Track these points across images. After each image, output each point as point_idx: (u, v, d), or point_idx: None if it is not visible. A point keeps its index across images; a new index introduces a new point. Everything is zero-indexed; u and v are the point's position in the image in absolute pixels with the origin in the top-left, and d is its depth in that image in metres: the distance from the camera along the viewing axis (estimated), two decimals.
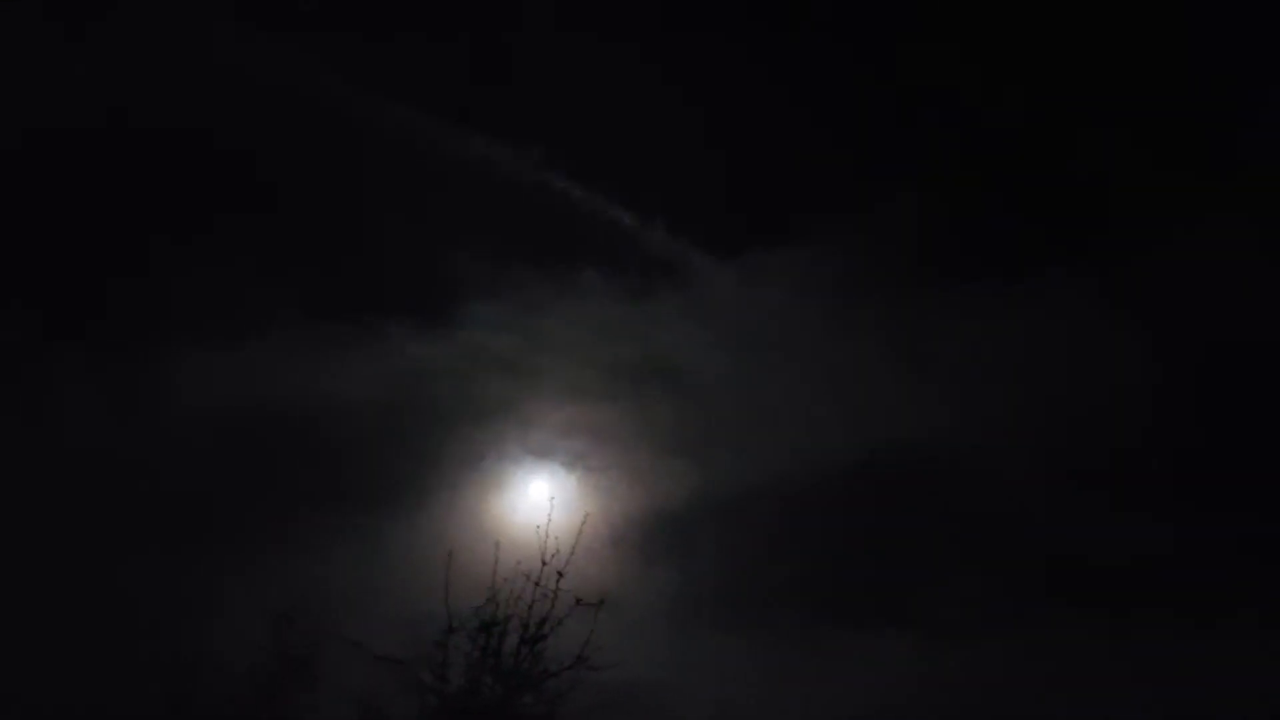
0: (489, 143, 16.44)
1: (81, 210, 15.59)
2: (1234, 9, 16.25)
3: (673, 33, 16.68)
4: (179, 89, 15.73)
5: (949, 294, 16.40)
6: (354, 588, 13.38)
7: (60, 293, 15.21)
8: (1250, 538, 14.35)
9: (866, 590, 14.92)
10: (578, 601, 11.70)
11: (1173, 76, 16.24)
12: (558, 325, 16.56)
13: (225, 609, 13.11)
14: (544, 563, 11.77)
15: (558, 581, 11.72)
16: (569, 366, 16.43)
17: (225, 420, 14.72)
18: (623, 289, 16.72)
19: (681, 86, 16.35)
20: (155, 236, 15.61)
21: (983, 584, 14.68)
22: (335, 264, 16.36)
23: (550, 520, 12.01)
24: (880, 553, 15.19)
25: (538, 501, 14.64)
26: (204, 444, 14.60)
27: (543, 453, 15.51)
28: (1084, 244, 16.55)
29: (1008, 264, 16.17)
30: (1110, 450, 15.51)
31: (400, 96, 16.09)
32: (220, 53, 15.88)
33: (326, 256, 16.36)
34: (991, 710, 13.63)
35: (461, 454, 15.36)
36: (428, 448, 15.40)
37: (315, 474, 14.84)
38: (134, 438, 14.40)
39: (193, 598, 13.11)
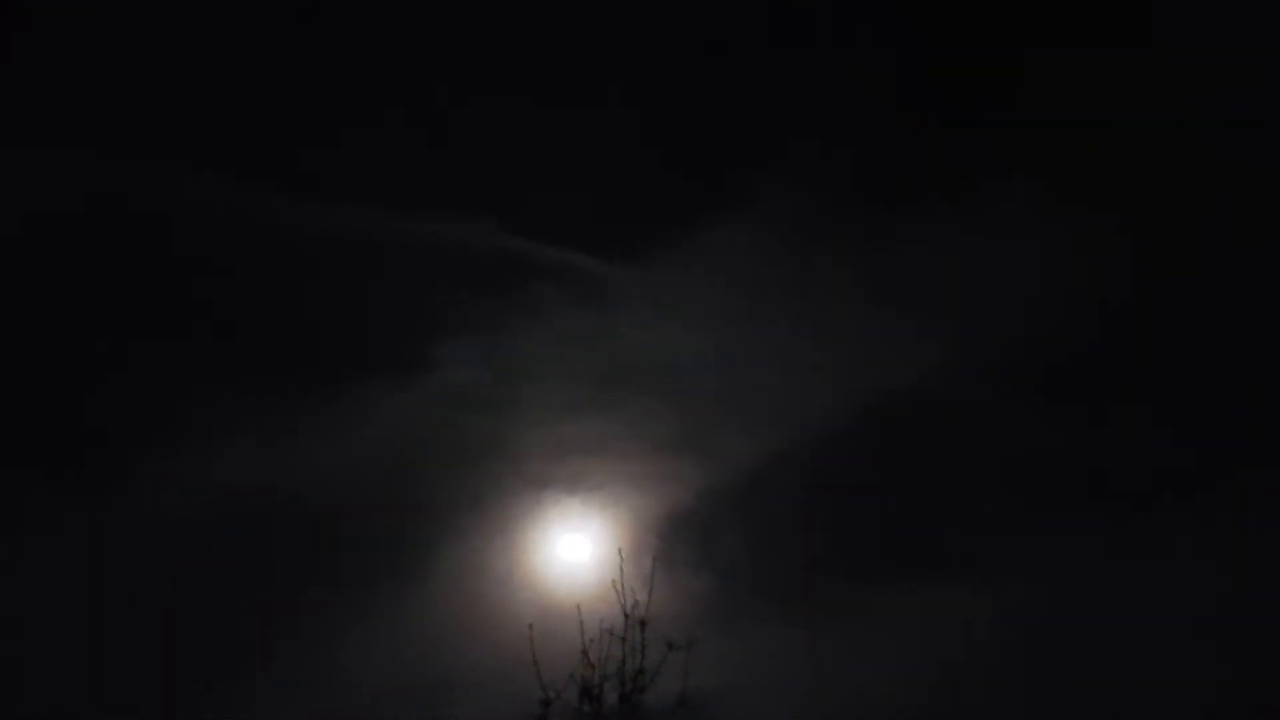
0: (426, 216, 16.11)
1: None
2: None
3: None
4: None
5: (896, 223, 16.07)
6: (394, 675, 12.92)
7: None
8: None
9: (901, 545, 14.67)
10: (670, 646, 11.43)
11: None
12: (521, 348, 16.03)
13: None
14: (626, 615, 11.45)
15: (643, 631, 11.43)
16: (542, 387, 15.91)
17: (217, 523, 14.06)
18: (578, 296, 16.22)
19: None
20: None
21: (1013, 513, 14.52)
22: (290, 340, 15.76)
23: (623, 572, 11.63)
24: (905, 505, 14.94)
25: (550, 534, 14.42)
26: (196, 553, 13.90)
27: (540, 482, 15.00)
28: (1018, 150, 16.25)
29: (946, 182, 15.92)
30: (1096, 359, 15.31)
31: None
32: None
33: (282, 335, 15.78)
34: (1059, 635, 13.46)
35: (459, 500, 14.78)
36: (422, 501, 14.82)
37: (319, 556, 14.26)
38: (119, 560, 13.70)
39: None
